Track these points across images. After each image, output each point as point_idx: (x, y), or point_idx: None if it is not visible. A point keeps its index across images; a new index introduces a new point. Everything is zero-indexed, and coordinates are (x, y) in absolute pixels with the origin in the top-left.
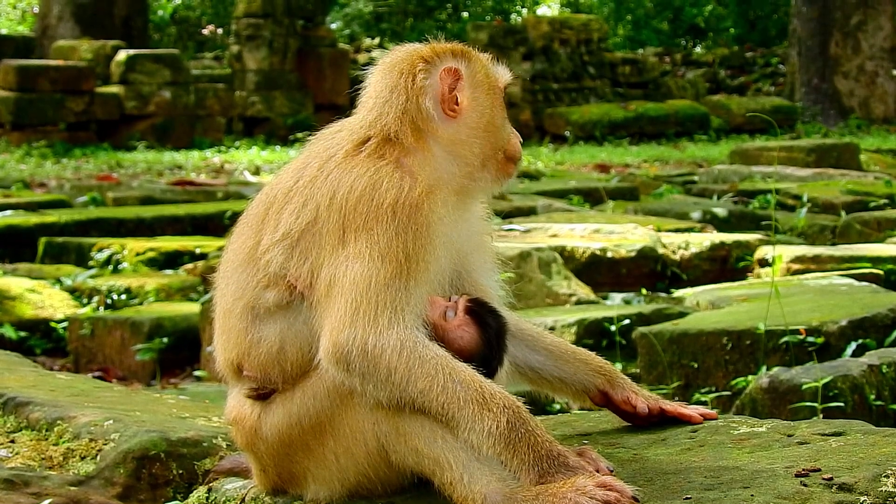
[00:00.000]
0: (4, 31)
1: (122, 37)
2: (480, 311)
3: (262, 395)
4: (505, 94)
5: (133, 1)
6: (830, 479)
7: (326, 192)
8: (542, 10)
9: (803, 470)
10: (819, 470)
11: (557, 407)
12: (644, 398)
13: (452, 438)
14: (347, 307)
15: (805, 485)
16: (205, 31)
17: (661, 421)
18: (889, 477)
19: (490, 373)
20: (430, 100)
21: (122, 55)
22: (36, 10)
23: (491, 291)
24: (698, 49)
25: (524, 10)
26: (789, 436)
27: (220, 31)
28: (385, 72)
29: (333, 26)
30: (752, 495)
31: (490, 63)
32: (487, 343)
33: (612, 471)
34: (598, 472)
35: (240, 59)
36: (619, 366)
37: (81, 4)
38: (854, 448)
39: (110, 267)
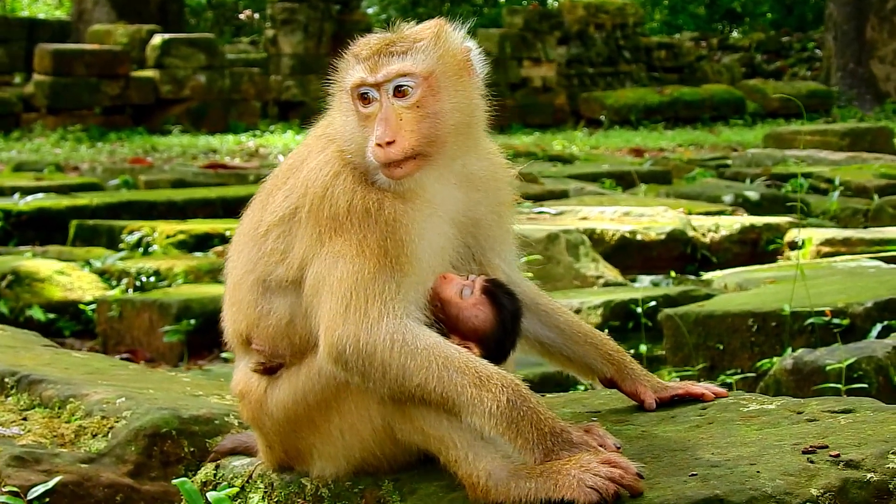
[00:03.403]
0: (41, 16)
1: (158, 21)
2: (497, 292)
3: (270, 369)
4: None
5: None
6: (837, 455)
7: (300, 186)
8: None
9: (811, 447)
10: (826, 447)
11: (582, 388)
12: (653, 389)
13: (457, 420)
14: (339, 304)
15: (812, 461)
16: (241, 16)
17: (671, 398)
18: None
19: (503, 354)
20: None
21: (157, 39)
22: None
23: (504, 268)
24: (735, 34)
25: None
26: (798, 413)
27: (256, 15)
28: None
29: (370, 11)
30: (758, 472)
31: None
32: (502, 324)
33: (618, 447)
34: (604, 448)
35: (275, 43)
36: (644, 348)
37: None
38: (863, 425)
39: (140, 249)
